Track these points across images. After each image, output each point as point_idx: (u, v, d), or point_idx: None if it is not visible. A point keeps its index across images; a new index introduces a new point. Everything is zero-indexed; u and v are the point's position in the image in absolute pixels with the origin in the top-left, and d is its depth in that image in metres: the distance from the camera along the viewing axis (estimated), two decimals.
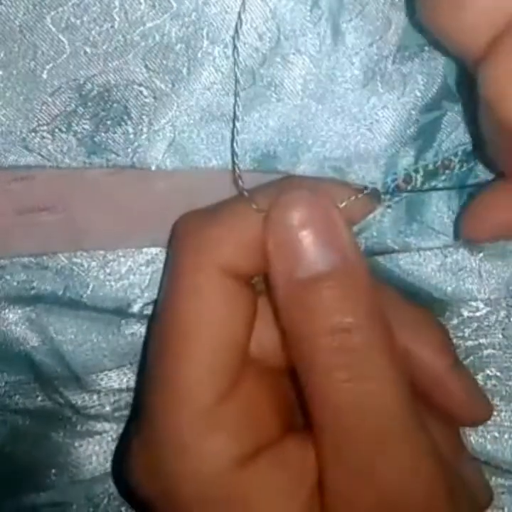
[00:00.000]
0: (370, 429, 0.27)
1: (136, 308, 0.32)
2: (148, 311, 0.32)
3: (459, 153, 0.30)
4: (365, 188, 0.29)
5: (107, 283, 0.31)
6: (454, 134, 0.30)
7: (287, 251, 0.26)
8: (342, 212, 0.27)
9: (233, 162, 0.27)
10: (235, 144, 0.27)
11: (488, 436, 0.34)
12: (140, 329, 0.32)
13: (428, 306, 0.32)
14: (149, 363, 0.29)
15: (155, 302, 0.31)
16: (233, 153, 0.27)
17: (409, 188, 0.30)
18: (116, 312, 0.32)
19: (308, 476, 0.28)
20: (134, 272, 0.31)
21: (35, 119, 0.28)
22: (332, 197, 0.27)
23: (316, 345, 0.26)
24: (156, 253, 0.31)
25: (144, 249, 0.31)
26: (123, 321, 0.32)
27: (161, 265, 0.31)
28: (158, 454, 0.28)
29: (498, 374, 0.34)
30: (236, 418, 0.27)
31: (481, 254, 0.32)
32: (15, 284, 0.31)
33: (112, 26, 0.26)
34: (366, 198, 0.29)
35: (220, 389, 0.27)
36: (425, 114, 0.29)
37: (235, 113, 0.27)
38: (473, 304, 0.33)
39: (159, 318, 0.29)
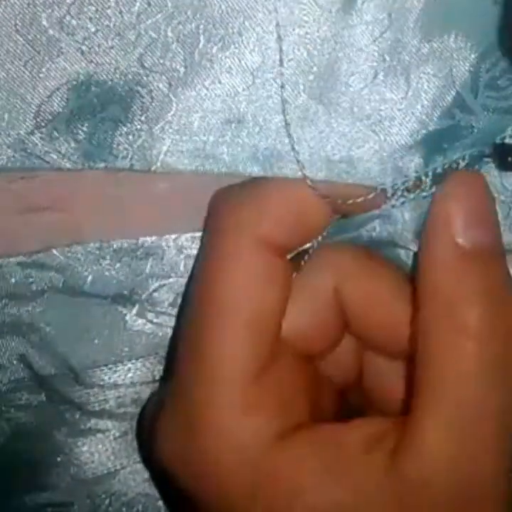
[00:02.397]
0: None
1: (142, 296, 0.31)
2: (154, 298, 0.31)
3: (466, 157, 0.29)
4: (374, 189, 0.28)
5: (107, 273, 0.30)
6: (463, 140, 0.28)
7: (456, 219, 0.26)
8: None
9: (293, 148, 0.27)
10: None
11: None
12: (146, 325, 0.31)
13: None
14: (183, 336, 0.28)
15: (189, 280, 0.30)
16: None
17: (417, 191, 0.29)
18: (119, 300, 0.31)
19: (347, 461, 0.26)
20: (132, 261, 0.30)
21: (33, 121, 0.26)
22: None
23: (474, 309, 0.25)
24: (152, 241, 0.30)
25: (141, 239, 0.30)
26: (127, 317, 0.31)
27: (159, 251, 0.30)
28: (193, 432, 0.27)
29: None
30: (272, 397, 0.26)
31: None
32: (13, 281, 0.30)
33: (108, 25, 0.25)
34: (373, 199, 0.28)
35: (257, 363, 0.26)
36: (436, 121, 0.28)
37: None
38: None
39: (195, 289, 0.28)
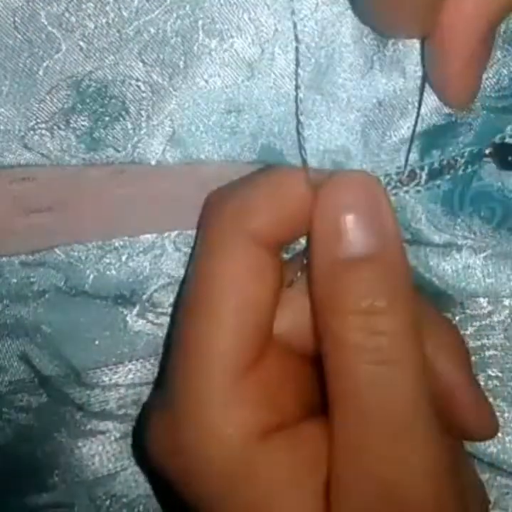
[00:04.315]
0: (387, 415, 0.25)
1: (143, 296, 0.30)
2: (154, 299, 0.31)
3: (466, 154, 0.29)
4: None
5: (108, 272, 0.30)
6: (462, 136, 0.28)
7: (331, 230, 0.26)
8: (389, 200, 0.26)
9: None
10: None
11: None
12: (146, 325, 0.31)
13: (432, 299, 0.31)
14: (175, 332, 0.28)
15: (183, 279, 0.30)
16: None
17: (412, 184, 0.28)
18: (120, 300, 0.30)
19: (323, 464, 0.26)
20: (133, 260, 0.30)
21: (34, 117, 0.26)
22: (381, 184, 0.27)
23: (347, 324, 0.25)
24: (153, 240, 0.30)
25: (141, 237, 0.29)
26: (128, 318, 0.31)
27: (160, 251, 0.30)
28: (180, 423, 0.26)
29: (500, 375, 0.32)
30: (258, 393, 0.26)
31: (486, 253, 0.31)
32: (14, 280, 0.29)
33: (107, 21, 0.25)
34: None
35: (245, 358, 0.26)
36: (433, 117, 0.27)
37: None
38: (477, 301, 0.32)
39: (187, 286, 0.28)
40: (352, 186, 0.26)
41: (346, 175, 0.26)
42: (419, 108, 0.27)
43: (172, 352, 0.28)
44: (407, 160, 0.27)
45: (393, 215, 0.26)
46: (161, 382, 0.29)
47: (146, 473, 0.33)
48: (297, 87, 0.25)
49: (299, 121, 0.26)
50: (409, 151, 0.27)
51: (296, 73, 0.25)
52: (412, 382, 0.25)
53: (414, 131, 0.27)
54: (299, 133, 0.26)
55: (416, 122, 0.27)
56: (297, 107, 0.26)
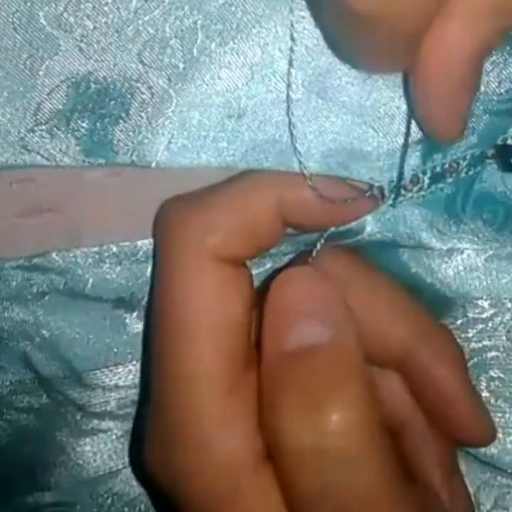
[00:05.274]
0: None
1: (142, 300, 0.30)
2: None
3: (468, 157, 0.28)
4: (371, 187, 0.27)
5: (108, 276, 0.29)
6: (464, 140, 0.28)
7: (279, 324, 0.25)
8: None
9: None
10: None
11: None
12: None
13: (433, 303, 0.31)
14: (155, 353, 0.27)
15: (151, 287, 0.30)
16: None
17: (415, 189, 0.28)
18: (120, 303, 0.30)
19: None
20: (132, 264, 0.29)
21: (33, 118, 0.26)
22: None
23: (291, 424, 0.24)
24: (152, 244, 0.29)
25: (139, 243, 0.29)
26: (127, 320, 0.30)
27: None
28: (172, 445, 0.26)
29: (502, 376, 0.32)
30: (248, 410, 0.26)
31: (487, 255, 0.31)
32: (14, 284, 0.29)
33: (106, 22, 0.25)
34: (371, 197, 0.27)
35: (228, 374, 0.25)
36: None
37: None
38: (479, 304, 0.31)
39: (157, 310, 0.27)
40: (299, 280, 0.26)
41: (294, 269, 0.26)
42: (406, 140, 0.26)
43: (156, 370, 0.27)
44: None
45: (345, 309, 0.25)
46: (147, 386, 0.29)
47: (140, 474, 0.33)
48: (288, 85, 0.25)
49: (290, 122, 0.26)
50: (403, 159, 0.27)
51: (289, 73, 0.25)
52: (370, 480, 0.23)
53: (406, 142, 0.26)
54: (292, 134, 0.26)
55: (406, 141, 0.26)
56: (289, 108, 0.25)
